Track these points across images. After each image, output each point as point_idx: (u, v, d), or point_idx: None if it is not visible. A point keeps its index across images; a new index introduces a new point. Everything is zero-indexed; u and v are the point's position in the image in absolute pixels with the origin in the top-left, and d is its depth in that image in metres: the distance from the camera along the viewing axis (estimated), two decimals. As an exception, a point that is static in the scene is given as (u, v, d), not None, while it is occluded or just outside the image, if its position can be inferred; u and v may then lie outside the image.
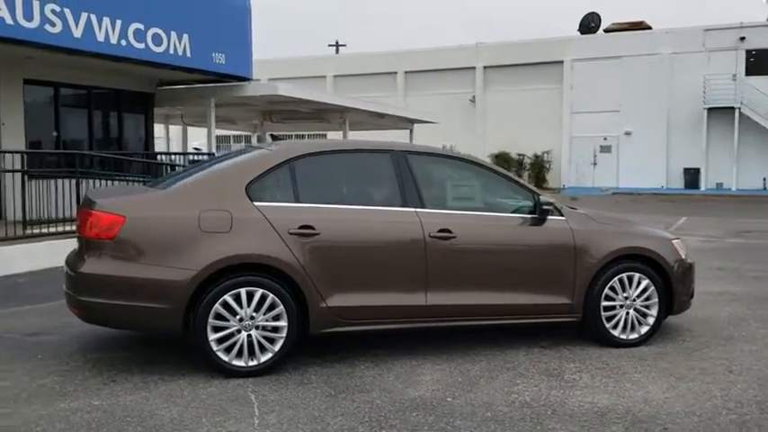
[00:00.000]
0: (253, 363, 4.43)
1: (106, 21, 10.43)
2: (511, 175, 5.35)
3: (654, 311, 5.27)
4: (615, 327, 5.18)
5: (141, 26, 11.09)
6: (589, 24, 34.35)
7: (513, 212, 5.13)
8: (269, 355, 4.46)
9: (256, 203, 4.53)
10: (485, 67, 34.08)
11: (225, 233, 4.40)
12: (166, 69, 12.21)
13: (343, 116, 17.14)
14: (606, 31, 34.06)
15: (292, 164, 4.72)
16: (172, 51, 11.66)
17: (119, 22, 10.66)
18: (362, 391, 4.21)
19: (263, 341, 4.45)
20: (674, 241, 5.51)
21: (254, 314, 4.41)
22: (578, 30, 34.71)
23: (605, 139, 31.84)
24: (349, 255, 4.64)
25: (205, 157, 11.02)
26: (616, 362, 4.83)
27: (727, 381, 4.44)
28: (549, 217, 5.08)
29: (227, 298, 4.36)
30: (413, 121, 20.49)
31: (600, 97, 31.35)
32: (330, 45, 46.73)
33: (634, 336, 5.22)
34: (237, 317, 4.38)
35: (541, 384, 4.36)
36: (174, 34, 11.68)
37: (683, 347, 5.21)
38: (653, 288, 5.24)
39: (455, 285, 4.84)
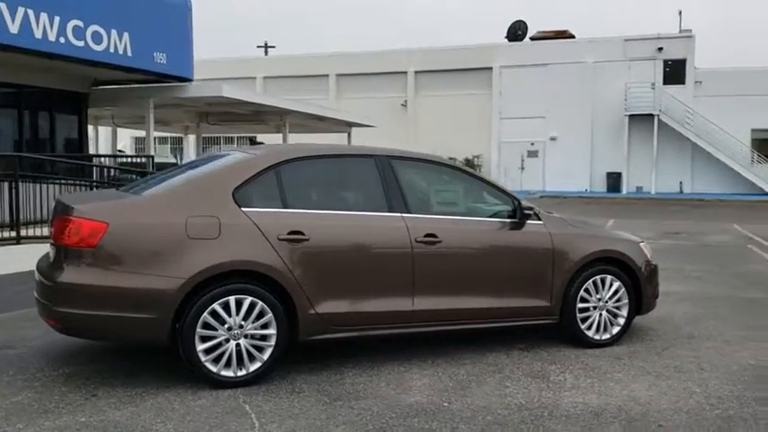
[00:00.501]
0: (241, 372, 4.32)
1: (44, 17, 9.96)
2: (491, 180, 5.44)
3: (624, 312, 5.47)
4: (589, 328, 5.34)
5: (80, 23, 10.64)
6: (516, 32, 35.32)
7: (493, 217, 5.21)
8: (258, 365, 4.36)
9: (244, 209, 4.42)
10: (416, 72, 34.48)
11: (213, 239, 4.28)
12: (105, 68, 11.77)
13: (283, 119, 16.94)
14: (532, 39, 35.12)
15: (278, 168, 4.63)
16: (112, 50, 11.23)
17: (57, 19, 10.18)
18: (357, 398, 4.18)
19: (251, 350, 4.34)
20: (640, 244, 5.74)
21: (243, 323, 4.30)
22: (506, 37, 35.65)
23: (532, 144, 32.79)
24: (338, 260, 4.59)
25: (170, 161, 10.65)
26: (594, 362, 4.98)
27: (701, 378, 4.65)
28: (528, 221, 5.20)
29: (216, 306, 4.23)
30: (351, 125, 20.47)
31: (527, 103, 32.28)
32: (259, 46, 46.11)
33: (606, 336, 5.40)
34: (226, 326, 4.26)
35: (530, 386, 4.44)
36: (114, 32, 11.26)
37: (651, 346, 5.43)
38: (623, 290, 5.44)
39: (441, 290, 4.87)
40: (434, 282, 4.84)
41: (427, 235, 4.80)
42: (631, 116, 30.45)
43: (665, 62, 30.91)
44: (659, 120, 29.86)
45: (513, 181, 32.61)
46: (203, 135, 20.90)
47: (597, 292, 5.35)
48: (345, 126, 20.48)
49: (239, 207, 4.42)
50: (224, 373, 4.28)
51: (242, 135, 33.38)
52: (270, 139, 27.45)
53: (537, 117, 32.24)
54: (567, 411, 4.00)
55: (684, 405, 4.12)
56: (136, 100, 13.47)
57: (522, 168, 32.95)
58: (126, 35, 11.49)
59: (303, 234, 4.47)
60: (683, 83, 30.56)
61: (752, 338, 5.69)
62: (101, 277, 4.10)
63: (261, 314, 4.34)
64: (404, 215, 4.81)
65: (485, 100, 33.27)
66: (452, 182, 5.34)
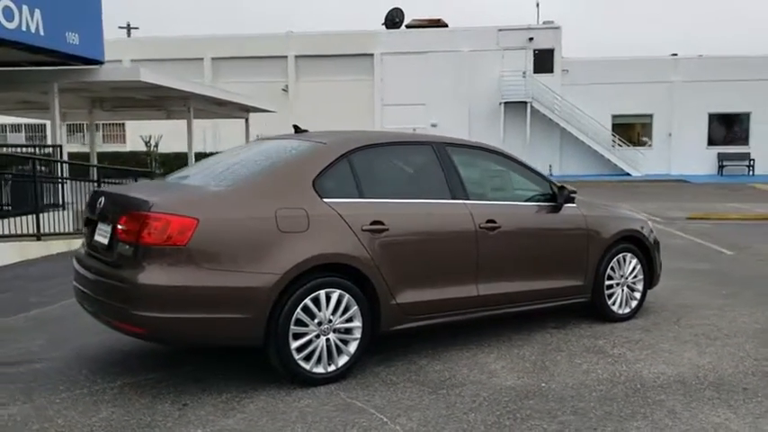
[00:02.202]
0: (331, 368, 4.18)
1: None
2: (530, 164, 5.58)
3: (640, 287, 5.86)
4: (614, 303, 5.68)
5: (-11, -4, 9.49)
6: (394, 20, 35.80)
7: (534, 200, 5.37)
8: (345, 359, 4.24)
9: (326, 200, 4.25)
10: (296, 57, 34.00)
11: (302, 233, 4.08)
12: (12, 48, 10.58)
13: (187, 103, 16.13)
14: (408, 26, 35.79)
15: (350, 157, 4.49)
16: (24, 28, 10.13)
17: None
18: (456, 385, 4.18)
19: (340, 344, 4.21)
20: (648, 222, 6.16)
21: (332, 317, 4.16)
22: (384, 24, 36.03)
23: (414, 130, 33.47)
24: (414, 249, 4.54)
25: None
26: (630, 335, 5.29)
27: (736, 342, 5.09)
28: (565, 204, 5.41)
29: (308, 302, 4.06)
30: (249, 110, 19.88)
31: (408, 90, 32.96)
32: (121, 27, 43.28)
33: (627, 310, 5.76)
34: (316, 321, 4.10)
35: (600, 362, 4.66)
36: (25, 8, 10.15)
37: (664, 318, 5.85)
38: (639, 266, 5.83)
39: (499, 274, 4.97)
40: (494, 267, 4.93)
41: (488, 221, 4.86)
42: (506, 103, 32.00)
43: (535, 52, 32.74)
44: (531, 107, 31.63)
45: (397, 166, 33.19)
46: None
47: (620, 269, 5.69)
48: (244, 111, 19.83)
49: (321, 198, 4.24)
50: (316, 369, 4.12)
51: (146, 122, 31.37)
52: (176, 126, 26.04)
53: (418, 104, 33.01)
54: (655, 382, 4.24)
55: (748, 367, 4.50)
56: (38, 84, 12.22)
57: (404, 154, 33.59)
58: (37, 12, 10.39)
59: (383, 224, 4.38)
60: (552, 71, 32.54)
61: (735, 305, 6.29)
62: (191, 277, 3.78)
63: (347, 307, 4.21)
64: (466, 202, 4.85)
65: (367, 86, 33.53)
66: (499, 167, 5.43)
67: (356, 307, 4.24)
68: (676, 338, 5.20)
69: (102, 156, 25.66)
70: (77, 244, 11.01)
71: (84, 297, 4.28)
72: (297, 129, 5.14)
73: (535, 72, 32.40)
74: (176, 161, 31.43)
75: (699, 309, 6.16)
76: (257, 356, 4.46)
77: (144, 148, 31.56)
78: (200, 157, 22.59)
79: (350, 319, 4.24)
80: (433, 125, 33.12)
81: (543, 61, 32.62)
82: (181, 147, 28.30)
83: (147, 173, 17.65)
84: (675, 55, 33.43)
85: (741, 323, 5.63)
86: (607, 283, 5.61)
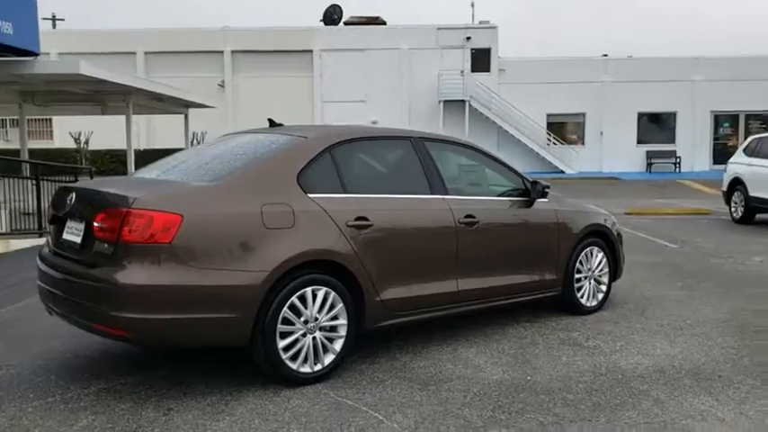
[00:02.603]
0: (317, 367, 4.09)
1: None
2: (502, 159, 5.61)
3: (605, 279, 6.00)
4: (582, 296, 5.79)
5: None
6: (332, 16, 35.59)
7: (507, 195, 5.40)
8: (331, 357, 4.16)
9: (310, 195, 4.16)
10: (233, 52, 33.35)
11: (289, 229, 3.97)
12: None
13: (127, 98, 15.54)
14: (346, 23, 35.67)
15: (332, 151, 4.40)
16: (-44, 16, 9.54)
17: None
18: (444, 380, 4.17)
19: (326, 343, 4.13)
20: (612, 216, 6.30)
21: (318, 315, 4.07)
22: (322, 21, 35.79)
23: (354, 127, 33.41)
24: (397, 245, 4.50)
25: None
26: (602, 327, 5.40)
27: (702, 332, 5.26)
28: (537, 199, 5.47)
29: (295, 300, 3.96)
30: (188, 105, 19.34)
31: (348, 87, 32.83)
32: (45, 18, 41.40)
33: (594, 303, 5.89)
34: (302, 319, 4.00)
35: (579, 353, 4.73)
36: (-44, -6, 9.56)
37: (629, 310, 6.00)
38: (605, 259, 5.97)
39: (477, 270, 4.98)
40: (472, 262, 4.93)
41: (467, 216, 4.87)
42: (445, 101, 32.31)
43: (473, 51, 33.17)
44: (470, 105, 32.05)
45: (337, 164, 33.04)
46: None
47: (588, 263, 5.81)
48: (183, 107, 19.28)
49: (305, 193, 4.14)
50: (302, 369, 4.02)
51: (40, 118, 30.02)
52: (95, 122, 25.07)
53: (358, 101, 32.91)
54: (635, 372, 4.33)
55: (718, 356, 4.66)
56: (-32, 76, 11.53)
57: (344, 151, 33.47)
58: (-31, -1, 9.81)
59: (368, 219, 4.31)
60: (489, 70, 33.02)
61: (693, 296, 6.52)
62: (175, 276, 3.62)
63: (332, 305, 4.13)
64: (445, 197, 4.83)
65: (306, 83, 33.22)
66: (474, 162, 5.44)
67: (341, 305, 4.16)
68: (645, 329, 5.34)
69: (29, 153, 24.50)
70: (16, 245, 10.51)
71: (52, 298, 4.05)
72: (272, 123, 5.01)
73: (473, 71, 32.82)
74: (108, 159, 30.38)
75: (660, 300, 6.35)
76: (236, 357, 4.34)
77: (73, 145, 30.30)
78: (141, 155, 21.91)
79: (335, 317, 4.16)
80: (374, 122, 33.05)
81: (480, 60, 33.08)
82: (114, 144, 27.38)
83: (86, 170, 16.95)
84: (606, 56, 34.51)
85: (704, 314, 5.84)
86: (576, 276, 5.72)
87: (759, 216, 13.29)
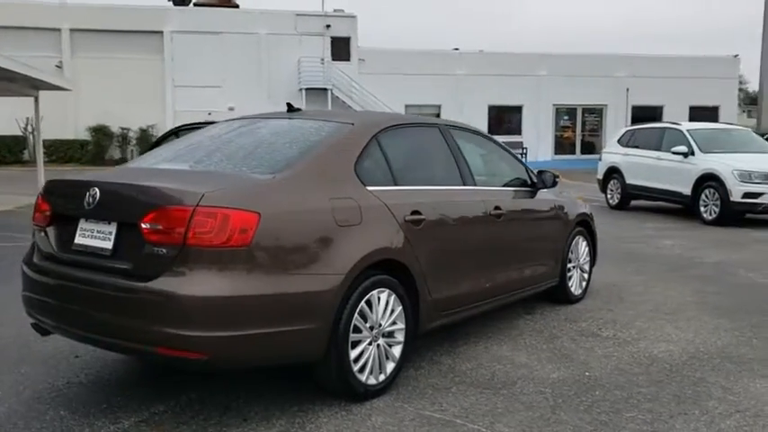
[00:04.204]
0: (381, 378, 3.70)
1: None
2: (507, 147, 5.44)
3: (587, 267, 6.09)
4: (572, 285, 5.82)
5: None
6: (182, -4, 33.63)
7: (510, 185, 5.25)
8: (392, 365, 3.78)
9: (368, 188, 3.73)
10: (72, 30, 30.38)
11: (357, 226, 3.52)
12: None
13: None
14: (196, 5, 33.88)
15: (378, 139, 3.99)
16: None
17: None
18: (509, 383, 3.94)
19: (388, 350, 3.75)
20: (586, 204, 6.40)
21: (381, 321, 3.68)
22: (170, 1, 33.69)
23: (210, 114, 31.66)
24: (444, 239, 4.18)
25: None
26: (602, 315, 5.46)
27: (692, 315, 5.48)
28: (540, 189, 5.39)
29: (363, 305, 3.54)
30: (39, 87, 17.28)
31: (202, 72, 31.16)
32: None
33: (580, 291, 5.95)
34: (368, 325, 3.59)
35: (602, 344, 4.71)
36: None
37: (606, 296, 6.12)
38: (588, 248, 6.05)
39: (505, 263, 4.81)
40: (501, 254, 4.77)
41: (496, 207, 4.67)
42: (307, 89, 31.74)
43: (333, 39, 32.86)
44: (332, 93, 31.76)
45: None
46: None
47: (575, 252, 5.85)
48: (33, 89, 17.17)
49: (364, 186, 3.71)
50: (370, 381, 3.62)
51: None
52: None
53: (213, 86, 31.37)
54: (674, 360, 4.36)
55: (729, 339, 4.84)
56: None
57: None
58: None
59: (421, 214, 3.96)
60: (349, 59, 32.90)
61: (649, 281, 6.82)
62: (254, 284, 3.07)
63: (393, 309, 3.75)
64: (476, 188, 4.60)
65: (156, 66, 31.06)
66: (485, 150, 5.23)
67: (401, 308, 3.79)
68: (641, 315, 5.47)
69: None
70: None
71: (68, 316, 3.30)
72: (290, 107, 4.44)
73: (333, 59, 32.51)
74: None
75: (627, 286, 6.55)
76: (259, 375, 3.83)
77: None
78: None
79: (394, 322, 3.78)
80: (231, 108, 31.69)
81: (340, 49, 32.86)
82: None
83: None
84: (458, 49, 35.75)
85: (676, 297, 6.10)
86: (568, 265, 5.73)
87: (633, 202, 14.37)
